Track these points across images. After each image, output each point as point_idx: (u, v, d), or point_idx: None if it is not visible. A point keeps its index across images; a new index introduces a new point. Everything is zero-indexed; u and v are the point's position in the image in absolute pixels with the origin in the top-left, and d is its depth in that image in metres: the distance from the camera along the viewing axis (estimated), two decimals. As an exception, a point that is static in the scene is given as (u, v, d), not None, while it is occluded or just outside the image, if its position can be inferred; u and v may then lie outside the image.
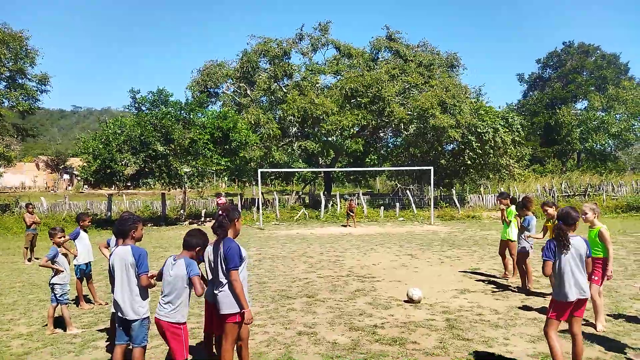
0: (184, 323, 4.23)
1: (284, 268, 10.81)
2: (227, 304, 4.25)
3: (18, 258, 13.07)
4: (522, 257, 8.25)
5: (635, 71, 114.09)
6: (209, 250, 4.80)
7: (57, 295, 6.49)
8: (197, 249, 4.30)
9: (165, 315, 4.16)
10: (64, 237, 6.93)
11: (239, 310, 4.26)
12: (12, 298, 8.50)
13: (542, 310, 6.90)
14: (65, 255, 6.91)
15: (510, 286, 8.57)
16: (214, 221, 4.51)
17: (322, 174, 35.36)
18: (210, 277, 4.83)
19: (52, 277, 6.56)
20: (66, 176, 61.63)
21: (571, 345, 4.49)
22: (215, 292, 4.32)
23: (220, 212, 4.50)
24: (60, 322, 6.68)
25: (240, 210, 4.76)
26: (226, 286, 4.25)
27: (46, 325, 6.49)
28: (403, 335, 5.92)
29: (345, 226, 20.46)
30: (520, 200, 8.64)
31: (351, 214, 20.48)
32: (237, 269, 4.21)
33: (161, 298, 4.25)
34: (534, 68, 64.42)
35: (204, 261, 4.93)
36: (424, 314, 6.83)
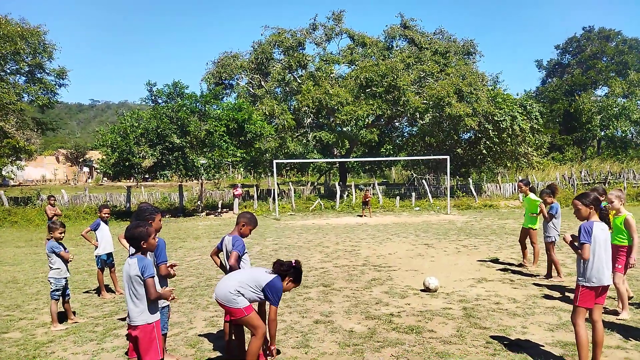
0: (157, 320, 3.89)
1: (300, 258, 10.86)
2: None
3: (40, 249, 13.38)
4: (549, 246, 8.15)
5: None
6: (226, 239, 4.87)
7: (51, 290, 6.37)
8: (142, 243, 3.88)
9: (134, 318, 3.81)
10: (64, 232, 6.62)
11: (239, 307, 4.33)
12: (35, 288, 8.72)
13: (562, 299, 6.83)
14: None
15: (537, 275, 8.47)
16: (281, 264, 4.62)
17: (337, 165, 35.33)
18: (226, 267, 4.90)
19: (50, 271, 6.44)
20: (86, 169, 62.68)
21: (591, 333, 4.44)
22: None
23: (293, 263, 4.67)
24: (74, 311, 6.85)
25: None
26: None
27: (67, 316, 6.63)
28: (420, 323, 5.91)
29: (361, 216, 20.45)
30: (547, 187, 8.44)
31: (367, 203, 20.46)
32: (276, 305, 4.49)
33: (127, 301, 3.90)
34: (552, 54, 63.37)
35: (221, 250, 4.99)
36: (440, 303, 6.81)
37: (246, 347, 4.51)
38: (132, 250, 4.04)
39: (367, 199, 20.47)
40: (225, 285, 4.38)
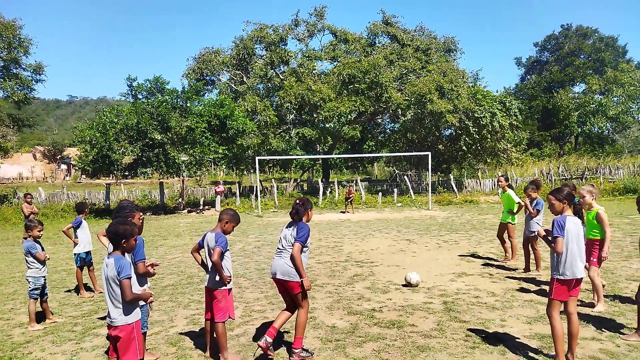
0: (137, 320, 3.82)
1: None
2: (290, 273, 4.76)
3: (17, 248, 13.11)
4: (532, 240, 8.29)
5: (633, 53, 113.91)
6: (208, 236, 4.84)
7: (29, 289, 6.23)
8: (123, 241, 3.80)
9: (113, 319, 3.72)
10: (43, 230, 6.47)
11: (298, 280, 4.74)
12: (12, 288, 8.54)
13: (538, 293, 6.97)
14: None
15: (516, 269, 8.63)
16: (292, 208, 4.95)
17: (320, 161, 35.36)
18: (208, 264, 4.86)
19: (28, 270, 6.30)
20: (63, 166, 61.53)
21: (566, 325, 4.54)
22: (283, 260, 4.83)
23: (297, 201, 4.97)
24: (52, 311, 6.75)
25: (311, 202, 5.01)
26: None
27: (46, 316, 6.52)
28: (401, 318, 5.97)
29: (344, 212, 20.51)
30: (531, 183, 8.53)
31: (349, 200, 20.54)
32: (303, 244, 4.73)
33: (106, 301, 3.81)
34: (531, 52, 64.18)
35: (202, 247, 4.97)
36: (421, 298, 6.89)
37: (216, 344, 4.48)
38: (111, 248, 3.98)
39: (350, 195, 20.54)
40: (284, 262, 4.79)
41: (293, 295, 4.81)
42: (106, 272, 3.73)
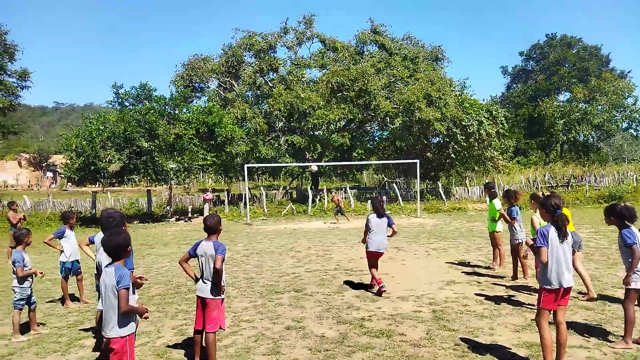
0: (130, 333, 3.79)
1: (272, 263, 10.82)
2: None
3: (1, 258, 12.88)
4: (519, 248, 8.35)
5: (616, 63, 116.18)
6: (204, 245, 4.80)
7: (14, 299, 6.10)
8: (128, 249, 3.90)
9: (107, 330, 3.71)
10: (31, 238, 6.48)
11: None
12: (-5, 298, 8.37)
13: (527, 300, 7.01)
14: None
15: (504, 277, 8.68)
16: (380, 207, 7.85)
17: (309, 169, 35.31)
18: (203, 273, 4.82)
19: (14, 280, 6.18)
20: (49, 174, 60.73)
21: (555, 333, 4.56)
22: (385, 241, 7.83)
23: (381, 202, 8.01)
24: (39, 323, 6.62)
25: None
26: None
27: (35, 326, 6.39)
28: (390, 327, 5.97)
29: (335, 222, 20.32)
30: (505, 191, 8.67)
31: (340, 209, 20.22)
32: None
33: (104, 310, 3.80)
34: (517, 61, 65.08)
35: (194, 256, 4.92)
36: (410, 306, 6.89)
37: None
38: (103, 257, 3.97)
39: (339, 204, 20.22)
40: (383, 238, 7.75)
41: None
42: (106, 281, 3.73)
